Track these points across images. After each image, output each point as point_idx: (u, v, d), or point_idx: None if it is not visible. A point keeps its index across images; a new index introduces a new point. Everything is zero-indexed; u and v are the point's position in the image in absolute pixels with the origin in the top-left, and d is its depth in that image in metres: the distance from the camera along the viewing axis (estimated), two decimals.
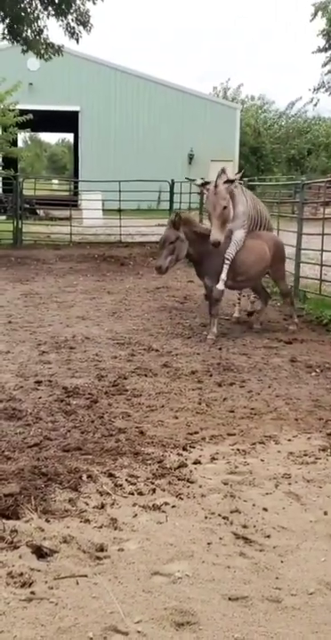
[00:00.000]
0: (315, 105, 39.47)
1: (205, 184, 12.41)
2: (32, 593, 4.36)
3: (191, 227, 12.11)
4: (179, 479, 6.20)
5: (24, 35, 25.82)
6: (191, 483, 6.14)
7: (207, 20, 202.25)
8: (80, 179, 45.14)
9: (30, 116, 31.00)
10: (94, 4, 25.92)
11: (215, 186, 11.94)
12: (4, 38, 26.44)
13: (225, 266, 12.11)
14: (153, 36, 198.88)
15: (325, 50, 35.26)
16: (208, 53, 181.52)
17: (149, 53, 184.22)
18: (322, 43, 35.79)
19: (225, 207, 11.90)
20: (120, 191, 26.91)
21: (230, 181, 12.13)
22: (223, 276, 12.09)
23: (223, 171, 12.35)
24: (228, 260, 12.14)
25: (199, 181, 12.67)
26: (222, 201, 11.89)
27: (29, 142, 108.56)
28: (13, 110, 31.68)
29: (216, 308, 12.20)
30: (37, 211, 35.99)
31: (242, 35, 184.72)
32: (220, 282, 12.10)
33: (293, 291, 15.53)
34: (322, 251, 15.09)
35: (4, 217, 33.14)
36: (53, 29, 31.00)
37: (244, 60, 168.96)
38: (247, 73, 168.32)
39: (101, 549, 4.91)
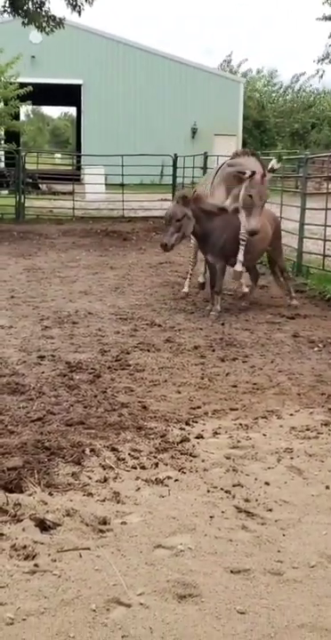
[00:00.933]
0: (321, 77, 39.17)
1: (253, 173, 11.74)
2: (35, 565, 4.39)
3: (200, 204, 11.95)
4: (181, 453, 6.23)
5: (25, 7, 25.61)
6: (194, 457, 6.17)
7: (208, 7, 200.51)
8: (83, 153, 45.01)
9: (30, 89, 30.81)
10: None
11: (264, 175, 11.76)
12: (4, 11, 26.22)
13: (241, 247, 12.03)
14: (154, 24, 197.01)
15: (330, 19, 34.77)
16: (210, 38, 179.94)
17: (150, 39, 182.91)
18: (329, 11, 35.34)
19: (267, 198, 12.03)
20: (123, 165, 26.80)
21: (273, 170, 12.36)
22: (241, 257, 12.05)
23: (254, 154, 12.49)
24: (243, 240, 12.01)
25: (248, 173, 11.77)
26: (268, 191, 12.08)
27: (32, 116, 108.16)
28: (13, 83, 31.52)
29: (220, 285, 12.18)
30: (40, 185, 35.89)
31: (243, 21, 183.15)
32: (238, 263, 12.07)
33: (296, 266, 15.56)
34: (326, 226, 15.07)
35: (6, 191, 33.07)
36: (55, 2, 30.79)
37: (246, 46, 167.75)
38: (250, 56, 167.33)
39: (104, 522, 4.94)
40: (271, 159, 12.95)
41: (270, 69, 67.33)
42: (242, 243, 12.02)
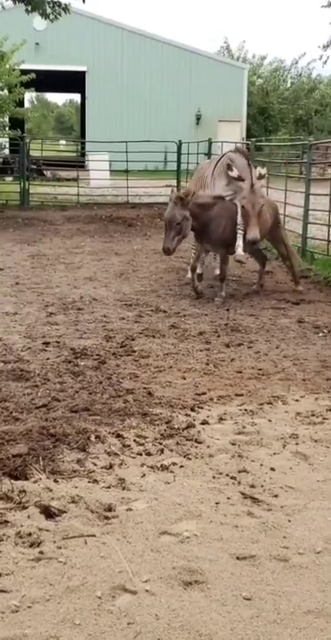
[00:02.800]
0: (325, 62, 38.91)
1: (239, 178, 12.11)
2: (41, 552, 4.39)
3: (195, 201, 11.93)
4: (187, 439, 6.22)
5: None
6: (199, 443, 6.16)
7: None
8: (87, 139, 44.95)
9: (33, 75, 30.72)
10: None
11: (252, 185, 11.91)
12: None
13: (239, 234, 12.01)
14: (157, 11, 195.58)
15: None
16: (213, 25, 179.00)
17: (153, 26, 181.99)
18: None
19: (263, 205, 12.06)
20: (127, 152, 26.76)
21: (262, 176, 12.32)
22: (240, 242, 12.01)
23: (243, 152, 12.72)
24: (241, 228, 11.98)
25: (235, 174, 12.17)
26: (261, 199, 12.08)
27: (36, 103, 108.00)
28: (16, 70, 31.44)
29: (224, 271, 12.20)
30: (44, 172, 35.83)
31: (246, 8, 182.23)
32: (238, 249, 12.06)
33: (301, 251, 15.53)
34: (330, 211, 15.01)
35: (10, 178, 33.02)
36: None
37: (250, 33, 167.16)
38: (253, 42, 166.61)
39: (110, 509, 4.93)
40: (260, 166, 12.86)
41: (275, 57, 67.20)
42: (240, 230, 12.00)
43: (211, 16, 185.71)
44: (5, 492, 5.12)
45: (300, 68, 64.48)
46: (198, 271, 13.00)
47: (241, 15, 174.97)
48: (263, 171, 12.39)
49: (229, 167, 12.29)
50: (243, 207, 11.85)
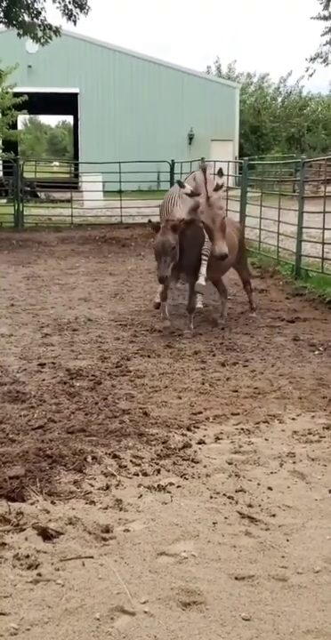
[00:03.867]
0: (311, 75, 39.13)
1: (193, 194, 11.39)
2: (38, 575, 4.37)
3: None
4: (183, 459, 6.21)
5: (20, 19, 25.65)
6: (196, 463, 6.15)
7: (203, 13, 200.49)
8: (80, 161, 45.10)
9: (25, 98, 30.85)
10: None
11: (208, 197, 11.08)
12: (0, 22, 26.29)
13: (204, 261, 11.19)
14: (147, 32, 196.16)
15: (324, 18, 34.79)
16: (203, 45, 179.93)
17: (144, 47, 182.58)
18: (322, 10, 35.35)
19: (224, 217, 11.29)
20: (120, 172, 26.84)
21: (219, 187, 11.39)
22: (203, 270, 11.17)
23: (204, 169, 11.74)
24: (206, 255, 11.22)
25: (188, 190, 11.52)
26: (220, 211, 11.16)
27: (29, 125, 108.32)
28: (9, 93, 31.58)
29: (194, 302, 11.47)
30: (38, 193, 35.93)
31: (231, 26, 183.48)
32: (200, 277, 11.14)
33: (295, 269, 15.56)
34: (324, 229, 15.05)
35: (4, 200, 33.09)
36: (50, 11, 30.82)
37: (237, 50, 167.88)
38: (243, 53, 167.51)
39: (107, 530, 4.92)
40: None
41: (261, 74, 67.59)
42: (204, 257, 11.20)
43: (201, 35, 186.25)
44: (2, 514, 5.11)
45: (289, 87, 64.94)
46: (156, 300, 12.27)
47: (230, 34, 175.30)
48: (221, 180, 11.64)
49: (180, 185, 11.93)
50: (203, 223, 11.08)
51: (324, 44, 37.61)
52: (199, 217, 11.15)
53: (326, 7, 33.90)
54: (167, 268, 10.82)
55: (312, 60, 37.97)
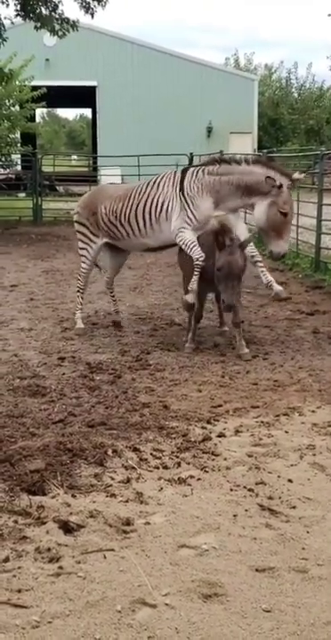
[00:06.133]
0: None
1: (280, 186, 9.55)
2: (60, 568, 4.40)
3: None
4: (203, 452, 6.22)
5: (37, 11, 25.64)
6: (216, 455, 6.16)
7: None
8: (99, 154, 45.05)
9: (44, 90, 30.87)
10: None
11: (293, 182, 9.79)
12: (17, 15, 26.26)
13: (195, 274, 9.74)
14: (164, 25, 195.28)
15: None
16: (220, 35, 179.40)
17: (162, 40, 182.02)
18: None
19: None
20: (139, 166, 26.84)
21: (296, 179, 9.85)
22: (194, 285, 9.72)
23: (262, 162, 10.10)
24: (198, 267, 9.74)
25: (278, 182, 9.50)
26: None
27: (47, 118, 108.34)
28: (27, 86, 31.60)
29: (238, 316, 9.71)
30: (57, 187, 35.96)
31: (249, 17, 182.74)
32: (190, 294, 9.75)
33: (314, 262, 15.51)
34: None
35: (23, 194, 33.15)
36: (68, 4, 30.75)
37: (254, 42, 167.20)
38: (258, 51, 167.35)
39: (128, 523, 4.93)
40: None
41: (274, 65, 67.44)
42: (197, 270, 9.72)
43: (220, 28, 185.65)
44: (24, 507, 5.14)
45: (301, 78, 64.64)
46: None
47: (248, 27, 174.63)
48: (300, 175, 10.04)
49: (269, 181, 9.53)
50: (283, 214, 9.57)
51: None
52: (279, 206, 9.55)
53: None
54: (236, 295, 9.32)
55: None
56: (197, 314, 9.90)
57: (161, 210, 10.21)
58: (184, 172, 10.31)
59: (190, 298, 9.71)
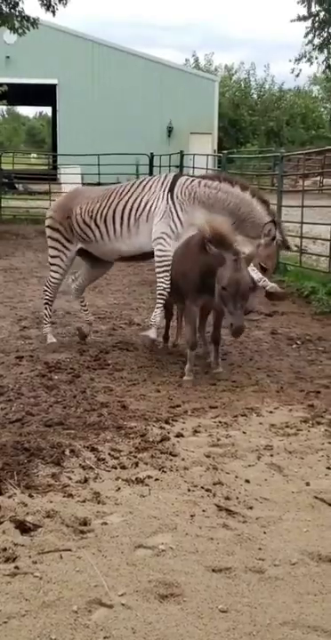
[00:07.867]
0: (297, 76, 39.18)
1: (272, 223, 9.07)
2: (16, 568, 4.37)
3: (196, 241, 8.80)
4: (161, 452, 6.22)
5: None
6: (174, 456, 6.16)
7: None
8: (59, 152, 44.91)
9: (5, 88, 30.69)
10: None
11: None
12: None
13: (159, 304, 9.42)
14: (125, 23, 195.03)
15: (304, 19, 34.83)
16: (180, 36, 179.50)
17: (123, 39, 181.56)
18: (302, 11, 35.40)
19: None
20: (99, 165, 26.79)
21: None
22: (157, 319, 9.33)
23: (229, 179, 9.35)
24: (162, 296, 9.36)
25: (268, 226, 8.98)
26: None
27: (7, 116, 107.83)
28: None
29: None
30: (16, 185, 35.76)
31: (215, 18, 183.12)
32: (152, 328, 9.26)
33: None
34: (302, 223, 15.11)
35: None
36: (29, 2, 30.62)
37: (216, 43, 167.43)
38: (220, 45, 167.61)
39: (85, 523, 4.92)
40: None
41: (234, 66, 67.85)
42: (160, 299, 9.36)
43: (176, 26, 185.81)
44: None
45: (260, 79, 65.10)
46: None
47: (208, 26, 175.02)
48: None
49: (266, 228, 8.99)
50: (262, 269, 9.01)
51: (306, 44, 37.71)
52: (266, 252, 9.05)
53: (308, 7, 33.92)
54: (243, 316, 8.09)
55: (297, 60, 38.06)
56: (191, 341, 8.75)
57: (143, 210, 9.49)
58: (176, 177, 9.72)
59: (153, 333, 9.15)
